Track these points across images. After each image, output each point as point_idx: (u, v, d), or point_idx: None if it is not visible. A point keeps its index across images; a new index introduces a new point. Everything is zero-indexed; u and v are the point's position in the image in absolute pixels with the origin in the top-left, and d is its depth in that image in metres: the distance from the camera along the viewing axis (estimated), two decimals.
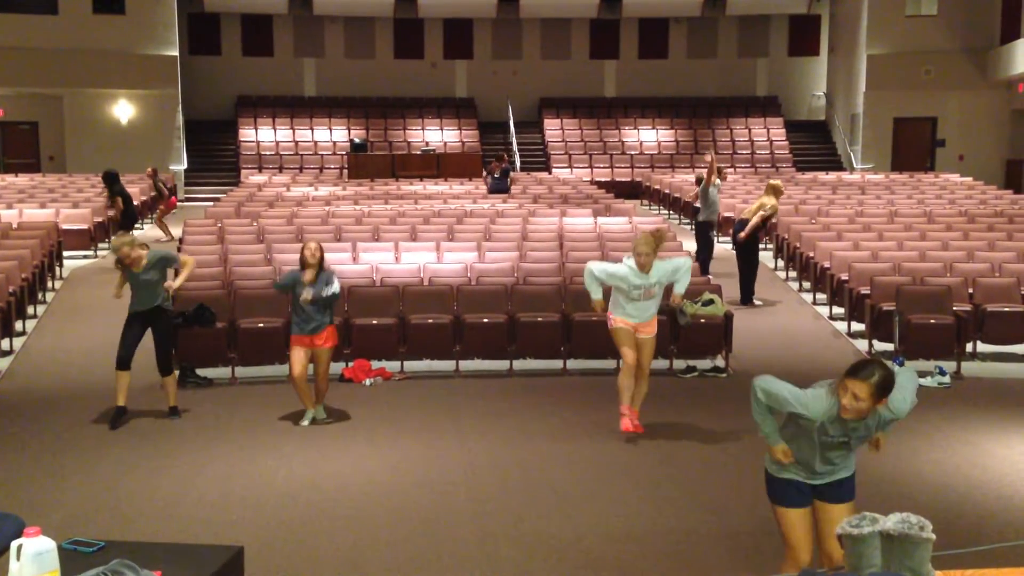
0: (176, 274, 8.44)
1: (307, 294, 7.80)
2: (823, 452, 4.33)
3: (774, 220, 13.68)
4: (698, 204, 14.30)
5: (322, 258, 8.01)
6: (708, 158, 14.56)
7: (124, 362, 8.03)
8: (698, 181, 14.84)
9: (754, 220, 12.49)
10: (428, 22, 28.46)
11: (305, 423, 8.00)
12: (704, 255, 13.59)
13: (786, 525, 4.43)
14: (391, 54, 28.81)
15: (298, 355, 7.95)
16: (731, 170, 24.14)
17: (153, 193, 19.36)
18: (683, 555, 5.63)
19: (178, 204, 19.97)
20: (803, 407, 4.25)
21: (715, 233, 14.16)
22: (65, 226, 15.85)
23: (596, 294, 7.68)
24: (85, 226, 16.27)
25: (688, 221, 18.84)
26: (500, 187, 18.83)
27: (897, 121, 26.37)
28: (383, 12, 27.48)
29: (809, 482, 4.41)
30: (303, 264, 7.95)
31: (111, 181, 16.54)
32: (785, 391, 4.32)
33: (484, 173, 19.94)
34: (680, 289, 7.78)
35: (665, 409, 8.47)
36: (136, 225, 17.48)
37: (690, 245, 14.09)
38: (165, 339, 8.18)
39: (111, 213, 16.66)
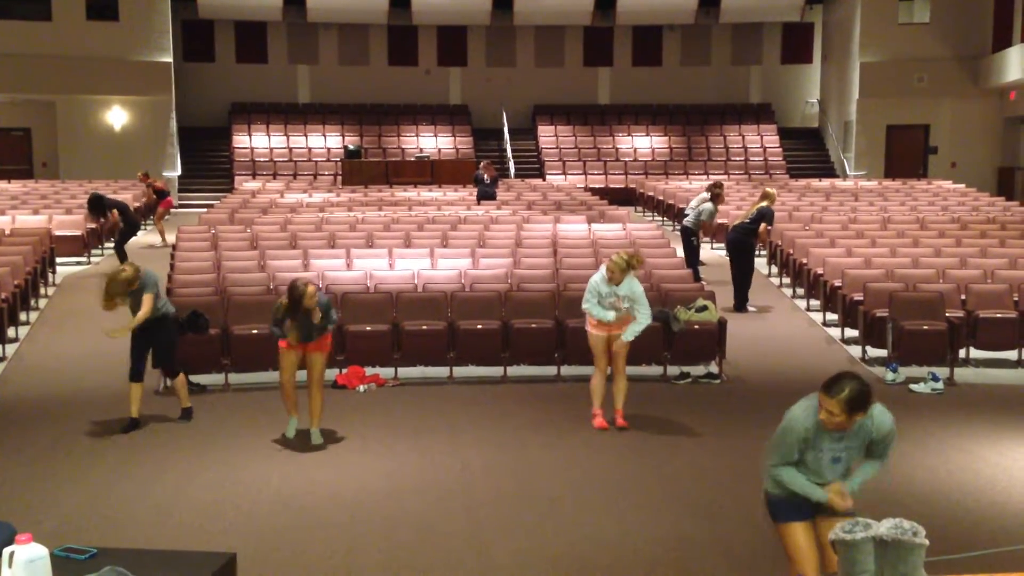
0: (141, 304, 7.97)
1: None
2: (824, 471, 4.34)
3: (770, 228, 13.71)
4: (689, 211, 14.38)
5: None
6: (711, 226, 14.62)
7: (137, 375, 8.07)
8: (712, 192, 14.45)
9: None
10: (422, 29, 28.49)
11: (290, 434, 7.73)
12: (690, 260, 13.63)
13: (790, 541, 4.36)
14: (385, 61, 28.83)
15: (288, 358, 7.70)
16: (725, 177, 24.21)
17: (151, 197, 19.24)
18: (677, 562, 5.63)
19: (173, 205, 19.81)
20: (791, 429, 4.28)
21: (695, 239, 14.14)
22: (58, 232, 15.82)
23: (606, 314, 7.97)
24: (78, 232, 16.24)
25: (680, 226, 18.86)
26: (490, 193, 18.78)
27: (890, 128, 26.45)
28: (377, 19, 27.49)
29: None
30: (297, 309, 7.45)
31: (98, 205, 15.32)
32: (775, 438, 4.35)
33: (475, 177, 19.62)
34: (627, 336, 7.97)
35: (659, 415, 8.48)
36: (138, 231, 16.93)
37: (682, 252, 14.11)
38: (167, 346, 8.22)
39: (109, 224, 16.19)
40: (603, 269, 8.02)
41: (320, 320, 7.55)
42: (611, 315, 7.92)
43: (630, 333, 7.97)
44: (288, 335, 7.60)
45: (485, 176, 18.91)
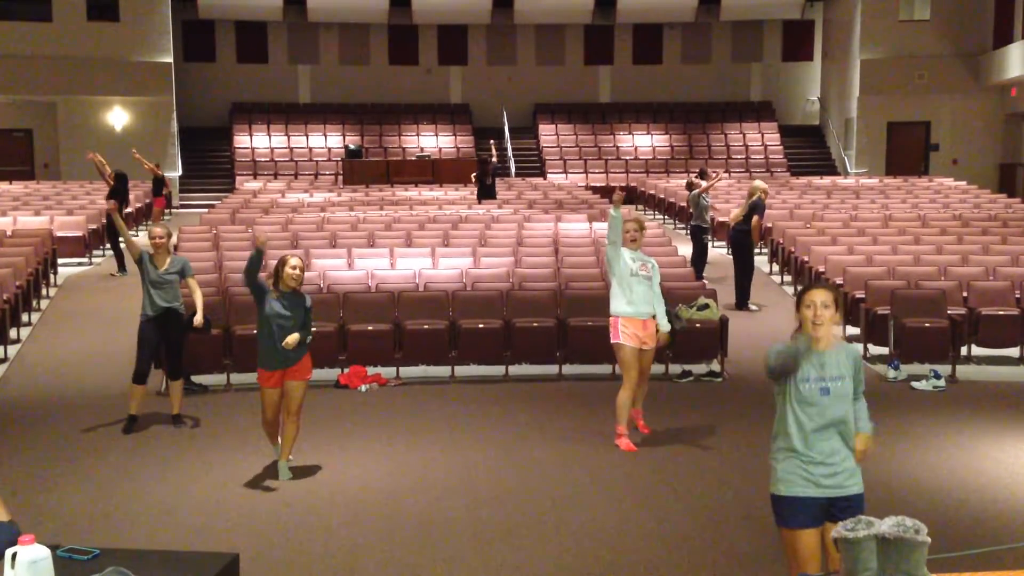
0: (192, 291, 8.16)
1: (291, 339, 6.69)
2: (810, 419, 4.23)
3: (768, 224, 13.80)
4: (692, 209, 14.54)
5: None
6: (716, 176, 14.80)
7: (142, 376, 7.96)
8: (688, 187, 14.91)
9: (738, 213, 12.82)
10: (422, 28, 28.49)
11: (285, 477, 6.92)
12: (698, 259, 13.67)
13: (793, 547, 4.26)
14: (386, 60, 28.83)
15: (270, 398, 6.83)
16: (725, 175, 24.20)
17: (156, 173, 19.21)
18: (679, 561, 5.63)
19: (166, 207, 19.81)
20: (771, 349, 4.28)
21: (708, 237, 14.27)
22: (59, 233, 15.83)
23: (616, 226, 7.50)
24: (80, 233, 16.26)
25: (683, 226, 18.90)
26: (490, 193, 18.77)
27: (891, 125, 26.43)
28: (377, 18, 27.50)
29: (818, 495, 4.22)
30: (278, 282, 6.81)
31: (120, 179, 16.32)
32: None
33: (474, 176, 19.58)
34: (665, 325, 7.67)
35: (661, 414, 8.47)
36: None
37: (686, 250, 14.11)
38: (179, 344, 8.15)
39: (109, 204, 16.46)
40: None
41: (299, 327, 6.78)
42: (638, 300, 7.42)
43: (665, 323, 7.63)
44: (268, 289, 6.79)
45: (488, 178, 18.78)
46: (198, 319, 8.06)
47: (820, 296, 4.30)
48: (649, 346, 7.60)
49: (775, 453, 4.34)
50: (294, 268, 6.77)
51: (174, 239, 10.43)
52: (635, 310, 7.50)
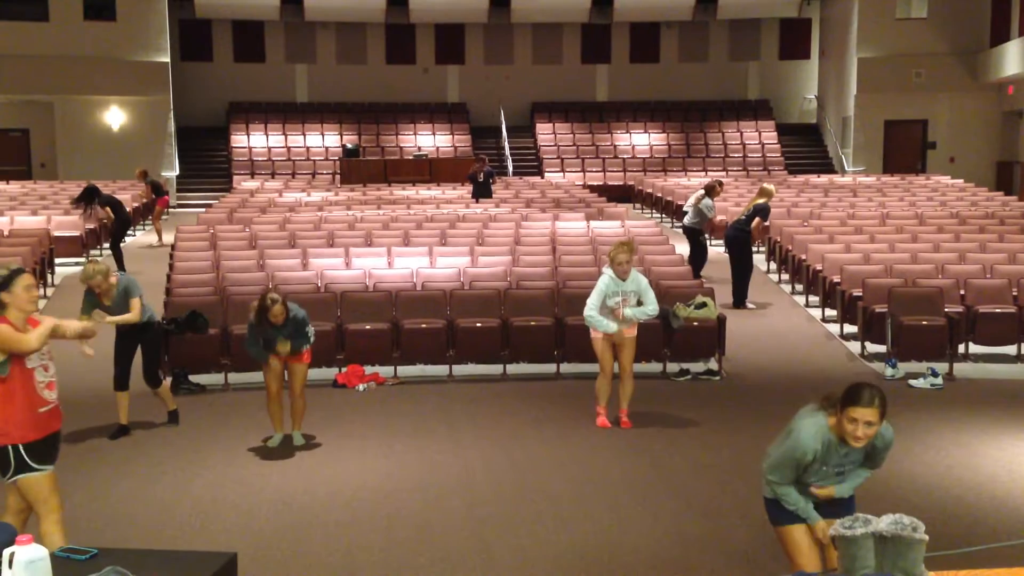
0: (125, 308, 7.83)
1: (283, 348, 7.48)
2: (825, 481, 4.30)
3: (767, 223, 13.77)
4: (687, 208, 14.46)
5: (286, 310, 7.34)
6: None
7: (121, 382, 7.93)
8: (708, 190, 14.57)
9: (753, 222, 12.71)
10: (420, 27, 28.49)
11: (273, 444, 7.57)
12: (694, 259, 13.65)
13: (791, 544, 4.32)
14: (383, 59, 28.83)
15: (274, 367, 7.53)
16: (723, 174, 24.22)
17: (148, 198, 19.31)
18: (677, 559, 5.63)
19: (169, 204, 19.87)
20: (801, 452, 4.18)
21: (704, 237, 14.20)
22: (57, 233, 15.82)
23: (610, 326, 7.83)
24: (77, 233, 16.24)
25: (680, 225, 18.89)
26: (485, 191, 18.80)
27: (888, 124, 26.46)
28: (375, 18, 27.50)
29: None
30: (267, 323, 7.33)
31: (92, 197, 15.72)
32: (779, 455, 4.27)
33: (468, 179, 19.72)
34: (628, 313, 7.85)
35: (658, 412, 8.48)
36: (129, 231, 17.39)
37: (683, 249, 14.11)
38: (153, 354, 8.06)
39: (104, 221, 16.45)
40: (607, 270, 7.95)
41: (292, 338, 7.41)
42: (613, 326, 7.80)
43: (632, 312, 7.83)
44: (262, 355, 7.46)
45: (479, 176, 18.90)
46: (110, 319, 7.66)
47: (868, 415, 4.05)
48: (627, 334, 7.93)
49: (772, 477, 4.36)
50: (277, 315, 7.27)
51: (167, 239, 10.34)
52: (607, 327, 7.88)
